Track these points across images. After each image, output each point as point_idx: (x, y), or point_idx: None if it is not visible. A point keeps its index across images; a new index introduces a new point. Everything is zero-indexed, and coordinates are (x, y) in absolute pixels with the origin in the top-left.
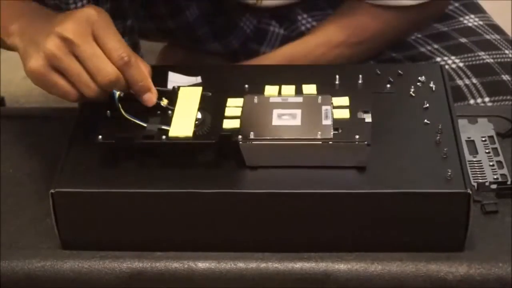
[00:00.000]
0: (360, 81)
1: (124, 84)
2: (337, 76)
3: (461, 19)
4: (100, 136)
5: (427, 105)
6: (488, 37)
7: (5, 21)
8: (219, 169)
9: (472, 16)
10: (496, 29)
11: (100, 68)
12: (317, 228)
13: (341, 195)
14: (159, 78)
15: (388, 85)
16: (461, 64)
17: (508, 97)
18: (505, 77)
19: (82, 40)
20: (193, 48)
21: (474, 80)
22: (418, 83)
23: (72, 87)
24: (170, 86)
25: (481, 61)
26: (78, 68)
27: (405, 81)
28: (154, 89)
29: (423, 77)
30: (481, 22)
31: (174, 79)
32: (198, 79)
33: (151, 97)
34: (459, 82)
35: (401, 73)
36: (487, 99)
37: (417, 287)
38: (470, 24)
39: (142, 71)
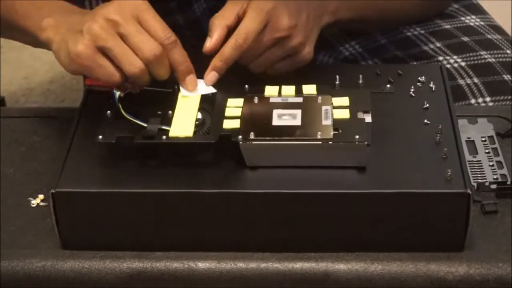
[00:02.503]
0: (360, 81)
1: (167, 65)
2: (337, 76)
3: (463, 18)
4: (100, 136)
5: (427, 105)
6: (489, 36)
7: (35, 18)
8: (219, 169)
9: (473, 16)
10: (497, 29)
11: (145, 42)
12: (317, 228)
13: (341, 195)
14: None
15: (388, 85)
16: (463, 64)
17: (509, 97)
18: (507, 77)
19: (126, 20)
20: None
21: (476, 80)
22: (418, 83)
23: (116, 69)
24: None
25: (483, 61)
26: (123, 46)
27: (405, 81)
28: (194, 73)
29: (423, 77)
30: (482, 23)
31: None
32: (211, 89)
33: (193, 79)
34: (461, 81)
35: (401, 73)
36: (488, 99)
37: (417, 287)
38: (471, 24)
39: (185, 53)
